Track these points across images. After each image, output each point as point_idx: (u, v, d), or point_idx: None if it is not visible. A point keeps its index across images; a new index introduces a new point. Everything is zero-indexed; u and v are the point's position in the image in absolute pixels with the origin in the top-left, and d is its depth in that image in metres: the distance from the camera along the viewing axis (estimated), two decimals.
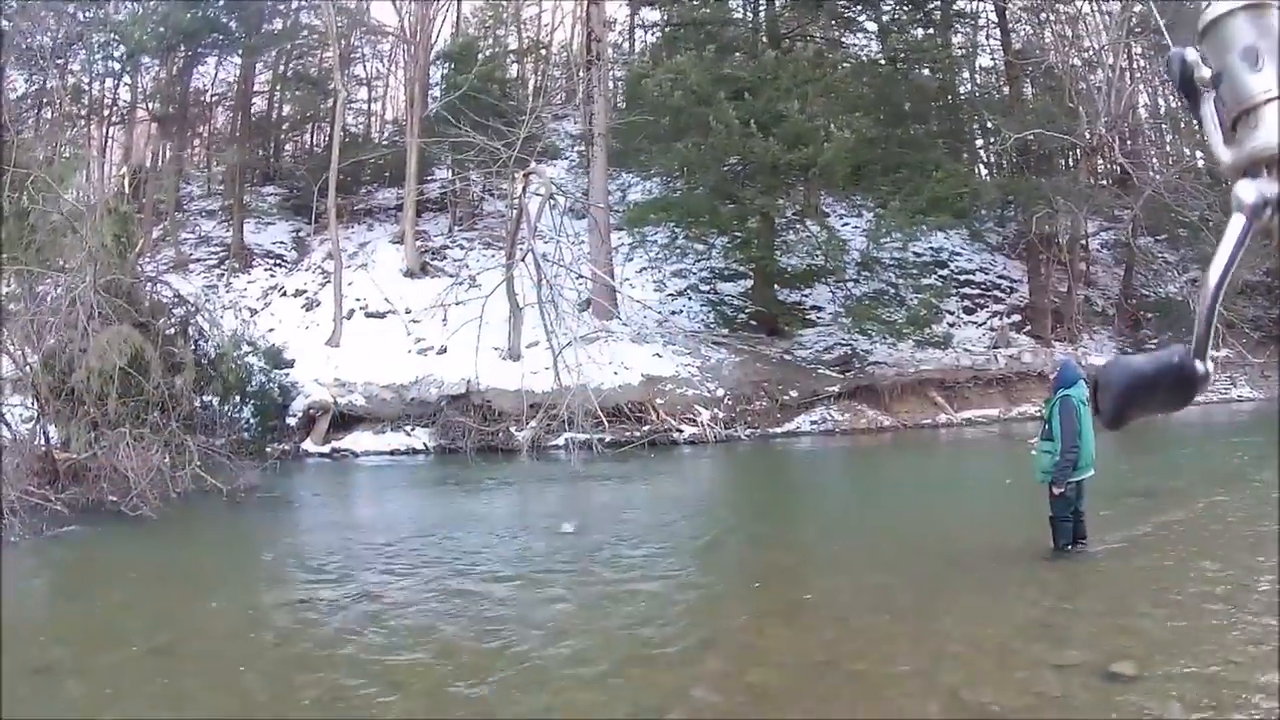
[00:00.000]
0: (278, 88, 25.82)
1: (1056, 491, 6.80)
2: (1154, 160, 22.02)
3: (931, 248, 20.27)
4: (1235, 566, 6.55)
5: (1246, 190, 0.75)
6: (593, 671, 4.96)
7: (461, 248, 20.43)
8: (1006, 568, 6.98)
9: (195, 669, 5.09)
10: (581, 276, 16.66)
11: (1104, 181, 21.63)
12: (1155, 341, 20.88)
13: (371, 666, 5.09)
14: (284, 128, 26.78)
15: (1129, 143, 21.02)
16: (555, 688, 4.78)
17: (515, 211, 16.58)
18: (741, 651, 5.46)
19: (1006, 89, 21.43)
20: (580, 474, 12.96)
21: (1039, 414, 9.70)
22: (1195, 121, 0.86)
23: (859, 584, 6.81)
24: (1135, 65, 22.67)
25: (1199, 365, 0.78)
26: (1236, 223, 0.75)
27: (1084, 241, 20.94)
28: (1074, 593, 6.38)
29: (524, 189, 16.67)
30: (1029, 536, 7.50)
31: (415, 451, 16.50)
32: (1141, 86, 23.40)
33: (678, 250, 18.16)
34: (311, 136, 27.09)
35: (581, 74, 19.35)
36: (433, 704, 4.61)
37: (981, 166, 22.00)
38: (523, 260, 16.03)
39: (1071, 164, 21.36)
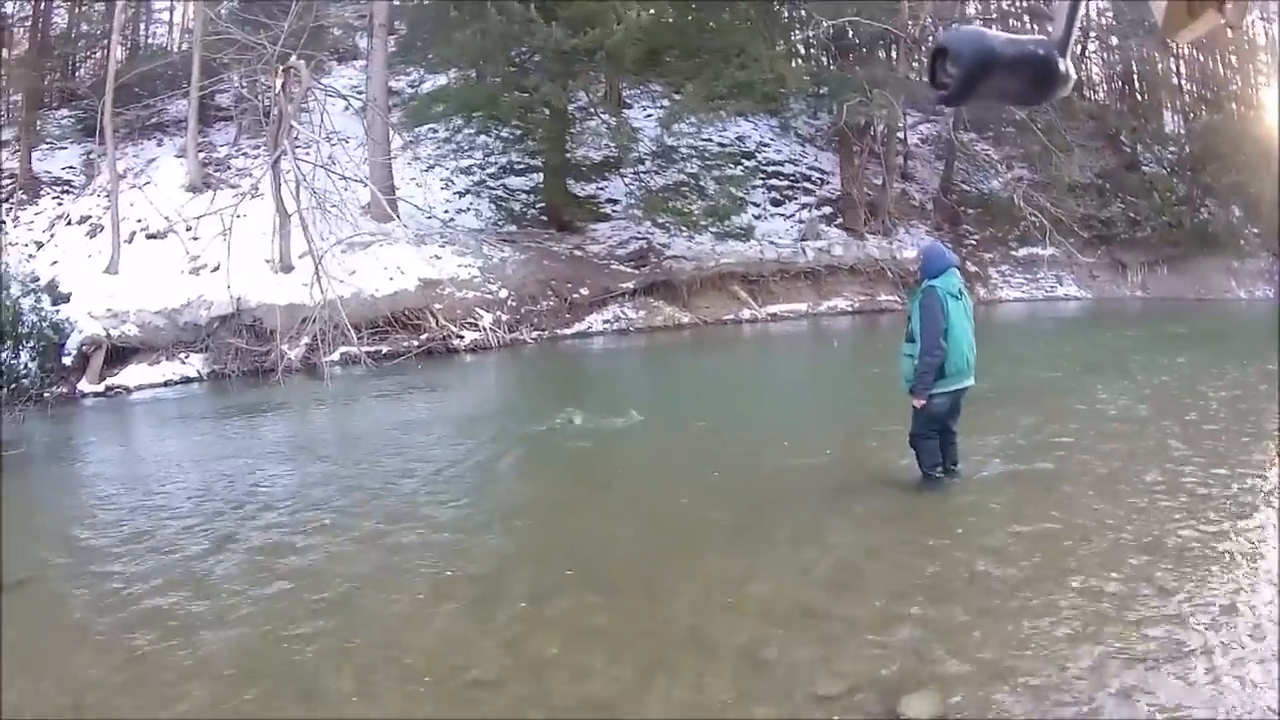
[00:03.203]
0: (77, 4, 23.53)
1: (917, 404, 5.44)
2: None
3: (738, 137, 19.44)
4: (1128, 523, 4.79)
5: None
6: (247, 634, 4.04)
7: (246, 155, 18.81)
8: (795, 505, 5.47)
9: None
10: (351, 179, 15.35)
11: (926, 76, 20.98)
12: (976, 238, 20.66)
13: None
14: (79, 44, 24.55)
15: None
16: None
17: (276, 111, 15.17)
18: (409, 614, 4.20)
19: None
20: (328, 397, 11.71)
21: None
22: None
23: (603, 525, 5.45)
24: None
25: (1061, 62, 0.70)
26: None
27: (901, 134, 20.40)
28: (871, 550, 4.66)
29: (283, 86, 15.23)
30: (850, 459, 6.38)
31: (189, 380, 15.18)
32: None
33: (456, 146, 16.90)
34: (109, 53, 24.80)
35: None
36: None
37: (799, 60, 21.15)
38: (274, 165, 14.69)
39: (893, 58, 20.73)
